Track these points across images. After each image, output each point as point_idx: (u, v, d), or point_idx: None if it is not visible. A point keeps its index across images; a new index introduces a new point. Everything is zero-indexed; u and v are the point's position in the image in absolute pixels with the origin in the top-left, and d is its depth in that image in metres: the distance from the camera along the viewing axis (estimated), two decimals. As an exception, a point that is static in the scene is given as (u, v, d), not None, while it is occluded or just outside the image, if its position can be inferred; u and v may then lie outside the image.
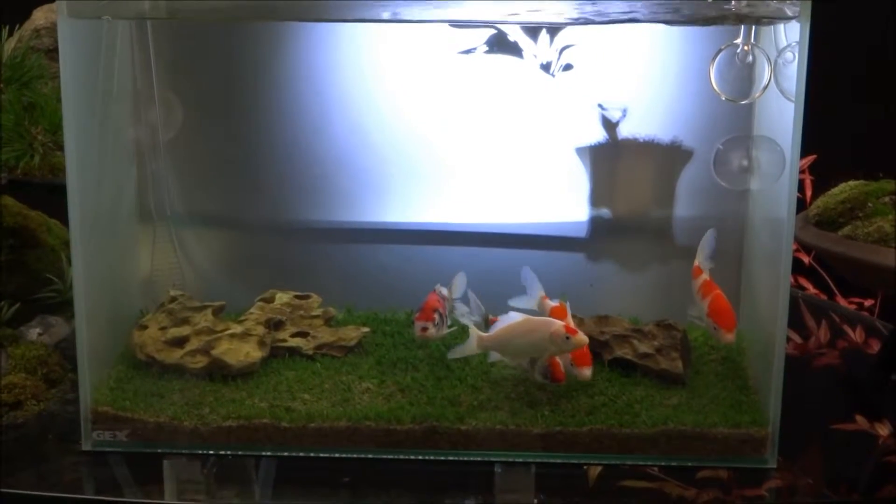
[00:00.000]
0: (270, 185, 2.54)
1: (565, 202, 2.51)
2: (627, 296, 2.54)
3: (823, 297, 3.06)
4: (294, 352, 2.38)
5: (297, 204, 2.56)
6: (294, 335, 2.41)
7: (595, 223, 2.52)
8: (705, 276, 2.18)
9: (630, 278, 2.55)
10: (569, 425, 2.03)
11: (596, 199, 2.50)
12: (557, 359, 2.02)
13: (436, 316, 2.09)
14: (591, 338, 2.30)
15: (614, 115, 2.44)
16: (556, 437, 2.04)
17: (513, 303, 2.20)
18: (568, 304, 2.14)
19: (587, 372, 2.07)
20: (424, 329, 2.07)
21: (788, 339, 2.42)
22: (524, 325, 1.99)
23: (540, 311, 2.17)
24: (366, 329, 2.42)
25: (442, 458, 2.01)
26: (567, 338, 1.99)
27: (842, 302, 3.05)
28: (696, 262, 2.20)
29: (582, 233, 2.53)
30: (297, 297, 2.49)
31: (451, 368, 2.28)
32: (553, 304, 2.16)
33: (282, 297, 2.48)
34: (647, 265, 2.54)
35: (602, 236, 2.53)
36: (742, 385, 2.23)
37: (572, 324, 2.09)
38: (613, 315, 2.41)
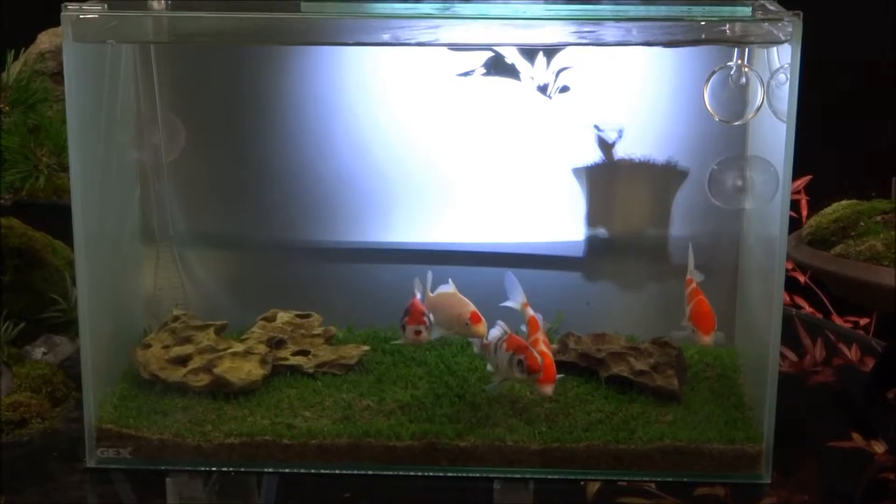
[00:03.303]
0: (273, 206, 2.56)
1: (562, 222, 2.53)
2: (624, 314, 2.56)
3: (819, 315, 3.08)
4: (295, 370, 2.39)
5: (300, 224, 2.58)
6: (295, 354, 2.42)
7: (592, 242, 2.54)
8: (693, 286, 2.20)
9: (626, 297, 2.57)
10: (566, 441, 2.04)
11: (592, 219, 2.52)
12: (531, 350, 2.03)
13: (425, 318, 2.09)
14: (587, 355, 2.36)
15: (610, 136, 2.46)
16: (553, 453, 2.05)
17: (504, 305, 2.21)
18: (540, 318, 2.13)
19: (547, 390, 2.06)
20: (418, 332, 2.06)
21: (784, 357, 2.44)
22: (448, 298, 2.03)
23: (521, 318, 2.19)
24: (366, 347, 2.44)
25: (441, 474, 2.01)
26: (467, 323, 2.02)
27: (837, 320, 3.08)
28: (688, 275, 2.23)
29: (579, 252, 2.55)
30: (298, 316, 2.51)
31: (450, 386, 2.31)
32: (532, 313, 2.18)
33: (283, 316, 2.50)
34: (644, 284, 2.56)
35: (599, 255, 2.56)
36: (737, 402, 2.25)
37: (544, 338, 2.10)
38: (610, 333, 2.44)
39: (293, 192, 2.56)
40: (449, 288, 2.16)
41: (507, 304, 2.18)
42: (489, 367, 2.19)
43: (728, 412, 2.13)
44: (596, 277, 2.58)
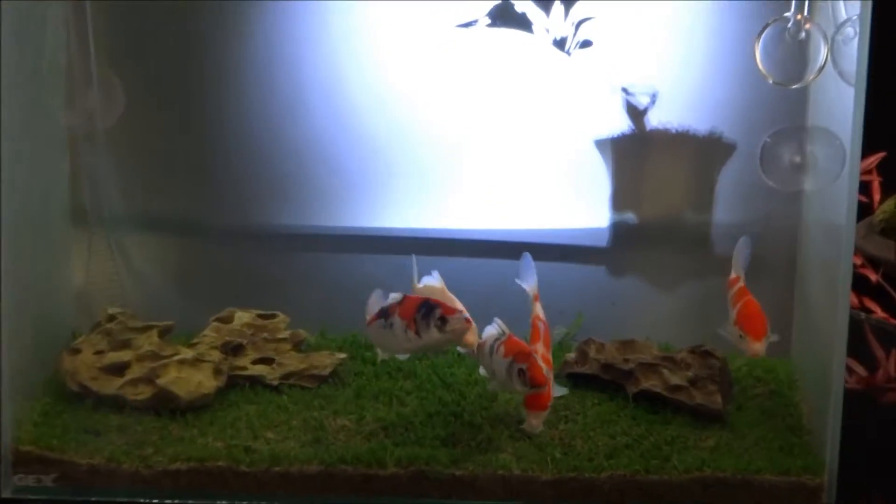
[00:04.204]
0: (232, 183, 2.55)
1: (583, 205, 2.53)
2: (657, 317, 2.55)
3: (894, 322, 3.04)
4: (256, 381, 2.39)
5: (264, 205, 2.57)
6: (256, 362, 2.42)
7: (618, 230, 2.54)
8: (740, 285, 2.21)
9: (660, 296, 2.57)
10: (585, 471, 2.06)
11: (619, 202, 2.52)
12: (537, 360, 2.04)
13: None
14: (612, 367, 2.35)
15: (641, 101, 2.47)
16: (569, 484, 2.06)
17: (518, 282, 2.23)
18: (543, 327, 2.14)
19: (534, 422, 2.07)
20: (468, 321, 2.01)
21: (851, 371, 2.45)
22: (432, 294, 2.07)
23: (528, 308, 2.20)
24: (342, 355, 2.44)
25: (433, 509, 2.02)
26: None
27: (917, 328, 3.07)
28: (733, 272, 2.23)
29: (602, 241, 2.55)
30: (260, 316, 2.51)
31: (444, 402, 2.30)
32: (539, 314, 2.18)
33: (242, 317, 2.49)
34: (681, 281, 2.55)
35: (627, 246, 2.55)
36: (793, 424, 2.26)
37: (545, 351, 2.11)
38: (640, 339, 2.43)
39: (257, 167, 2.55)
40: (434, 281, 2.16)
41: (519, 282, 2.19)
42: (482, 371, 2.19)
43: (782, 436, 2.16)
44: (623, 272, 2.58)
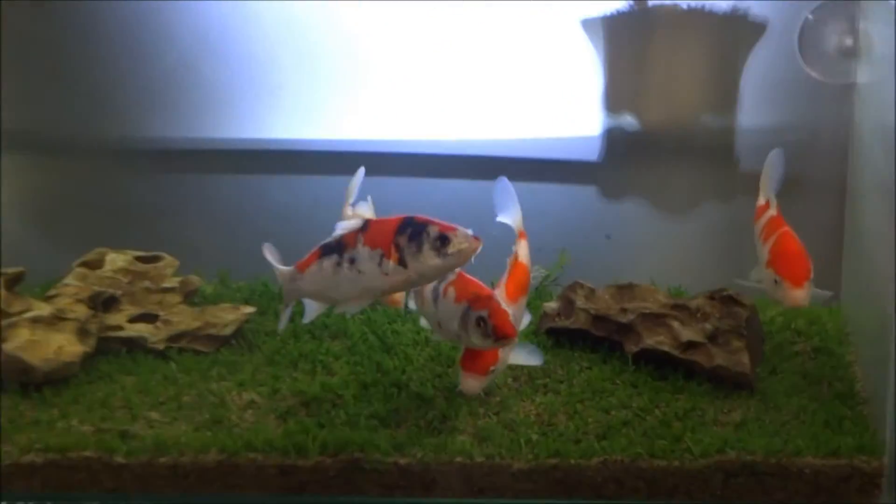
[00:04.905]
0: (103, 86, 2.49)
1: (565, 107, 2.46)
2: (664, 254, 2.50)
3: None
4: (135, 345, 2.32)
5: (143, 113, 2.51)
6: (135, 319, 2.35)
7: (612, 139, 2.47)
8: (772, 213, 2.14)
9: (668, 225, 2.51)
10: (570, 456, 1.98)
11: (614, 102, 2.45)
12: (498, 303, 1.95)
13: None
14: (606, 319, 2.28)
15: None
16: (549, 474, 1.98)
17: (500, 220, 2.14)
18: (522, 273, 2.06)
19: (471, 383, 1.97)
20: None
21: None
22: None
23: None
24: (249, 309, 2.37)
25: (370, 510, 1.98)
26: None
27: None
28: (761, 197, 2.18)
29: (592, 154, 2.48)
30: (139, 259, 2.43)
31: (385, 370, 2.22)
32: (522, 255, 2.09)
33: (115, 260, 2.41)
34: (696, 206, 2.50)
35: (624, 160, 2.49)
36: (844, 391, 2.18)
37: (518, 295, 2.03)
38: (642, 283, 2.34)
39: (136, 64, 2.47)
40: (366, 210, 2.07)
41: (502, 219, 2.12)
42: (423, 323, 2.11)
43: (829, 407, 2.11)
44: (620, 195, 2.51)
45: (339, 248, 1.92)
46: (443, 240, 1.84)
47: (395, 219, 1.89)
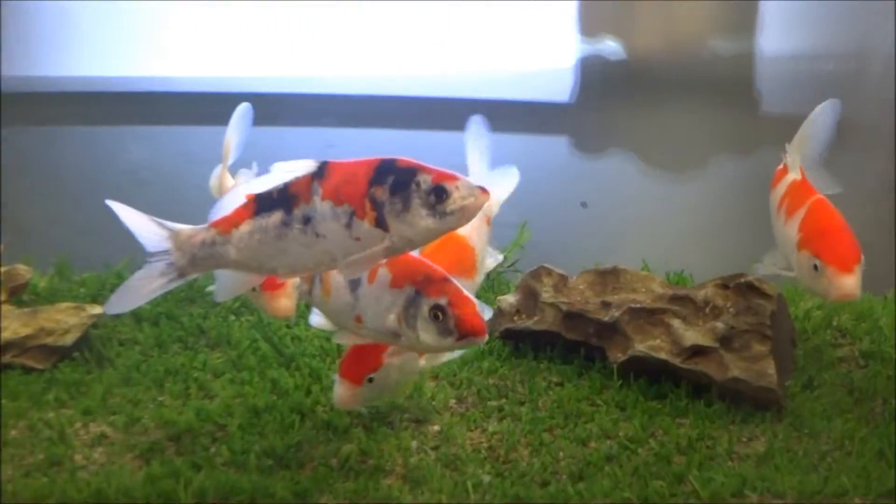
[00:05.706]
0: None
1: (525, 30, 2.29)
2: (659, 226, 2.38)
3: None
4: None
5: None
6: None
7: (590, 71, 2.33)
8: (795, 176, 2.04)
9: (665, 189, 2.40)
10: (534, 501, 1.86)
11: (591, 21, 2.29)
12: (457, 286, 1.79)
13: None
14: (581, 317, 2.18)
15: None
16: None
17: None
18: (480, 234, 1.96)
19: (338, 393, 1.88)
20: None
21: None
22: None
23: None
24: (98, 310, 2.26)
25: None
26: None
27: None
28: (784, 157, 2.07)
29: (563, 93, 2.34)
30: None
31: (283, 390, 2.10)
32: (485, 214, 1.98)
33: None
34: (703, 160, 2.38)
35: (605, 100, 2.36)
36: None
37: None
38: (630, 267, 2.24)
39: None
40: (248, 179, 1.92)
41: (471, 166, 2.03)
42: (316, 322, 1.97)
43: (884, 433, 1.98)
44: (600, 147, 2.37)
45: (284, 201, 1.72)
46: (439, 193, 1.65)
47: (365, 162, 1.70)
